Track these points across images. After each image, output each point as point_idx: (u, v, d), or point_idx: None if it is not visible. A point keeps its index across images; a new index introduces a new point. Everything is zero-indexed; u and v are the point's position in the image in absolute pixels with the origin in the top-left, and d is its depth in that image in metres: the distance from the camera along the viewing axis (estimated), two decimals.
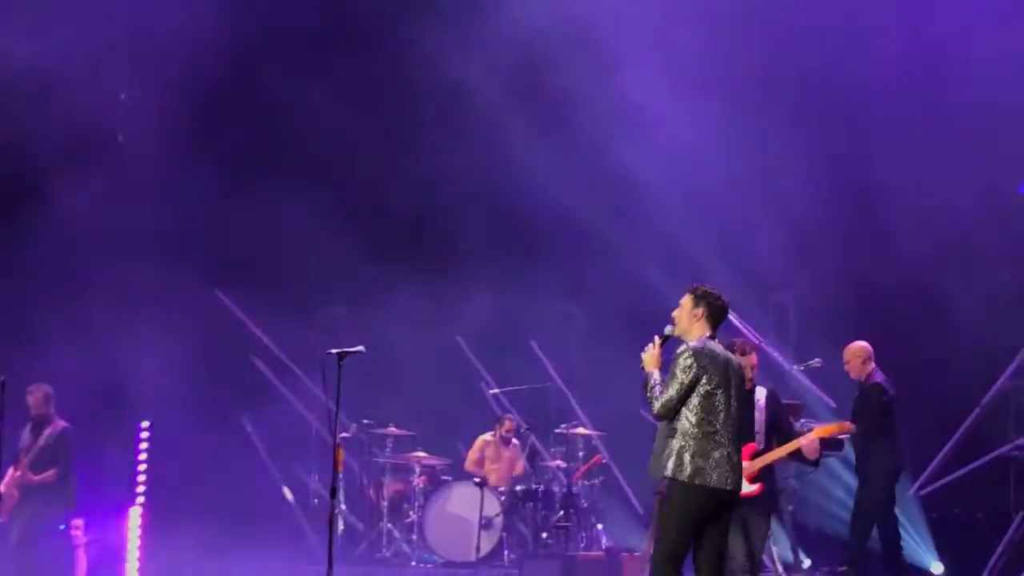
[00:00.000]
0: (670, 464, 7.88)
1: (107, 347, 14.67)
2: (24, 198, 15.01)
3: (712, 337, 8.04)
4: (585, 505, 13.90)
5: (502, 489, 14.08)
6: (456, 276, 15.44)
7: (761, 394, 9.56)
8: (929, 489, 14.72)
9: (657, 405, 7.90)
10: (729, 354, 8.13)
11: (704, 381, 7.84)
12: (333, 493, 9.12)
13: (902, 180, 13.97)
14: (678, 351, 7.92)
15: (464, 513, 13.88)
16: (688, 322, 8.05)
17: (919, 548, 14.16)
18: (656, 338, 8.09)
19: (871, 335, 12.25)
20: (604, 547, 13.29)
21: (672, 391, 7.85)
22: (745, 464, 8.90)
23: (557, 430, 14.65)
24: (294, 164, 15.92)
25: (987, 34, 13.77)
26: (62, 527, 13.91)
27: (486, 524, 13.76)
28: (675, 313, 8.13)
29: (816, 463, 10.05)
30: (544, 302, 16.15)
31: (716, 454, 7.85)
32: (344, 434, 14.23)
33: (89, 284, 15.03)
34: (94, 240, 15.01)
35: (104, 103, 15.16)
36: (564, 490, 13.90)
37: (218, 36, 14.73)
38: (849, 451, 12.10)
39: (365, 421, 14.70)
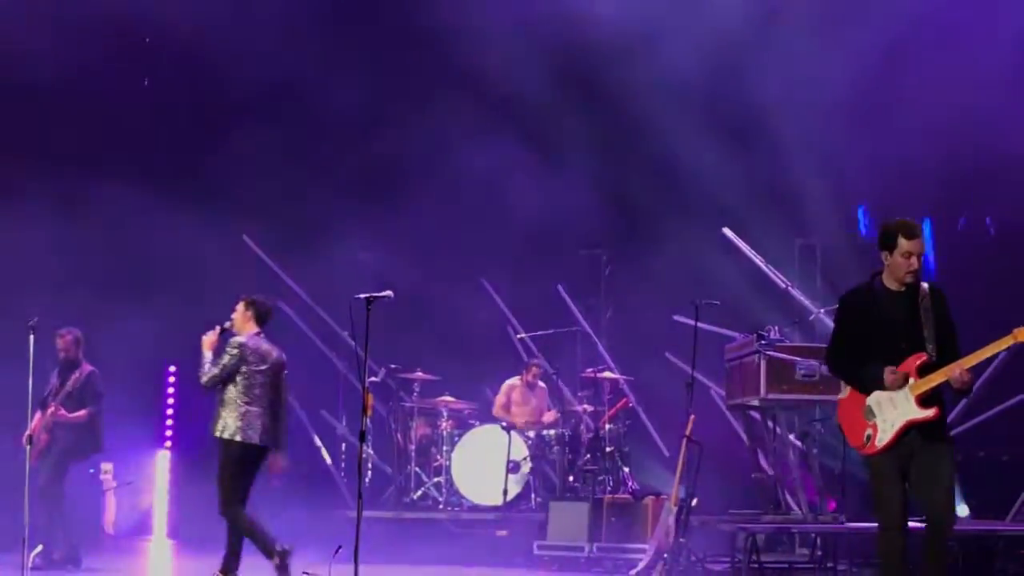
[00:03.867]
0: (218, 427, 10.08)
1: (129, 293, 14.71)
2: None
3: (259, 332, 10.30)
4: (611, 449, 13.94)
5: (529, 433, 14.12)
6: (481, 219, 15.43)
7: (925, 291, 7.73)
8: (955, 432, 14.67)
9: (204, 379, 10.11)
10: (270, 347, 10.29)
11: (243, 367, 10.07)
12: (362, 437, 9.17)
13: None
14: (229, 341, 10.17)
15: (491, 457, 13.93)
16: (242, 321, 10.33)
17: None
18: (217, 327, 10.25)
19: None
20: (630, 490, 13.31)
21: (216, 369, 10.09)
22: (913, 382, 7.56)
23: (584, 374, 14.67)
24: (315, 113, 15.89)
25: None
26: (91, 471, 14.02)
27: (513, 468, 13.83)
28: (233, 315, 10.32)
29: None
30: (569, 246, 16.13)
31: (256, 421, 10.05)
32: (372, 379, 14.28)
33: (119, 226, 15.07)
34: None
35: None
36: (591, 434, 13.93)
37: None
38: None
39: (392, 366, 14.74)
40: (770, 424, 12.30)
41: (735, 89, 14.80)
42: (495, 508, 13.80)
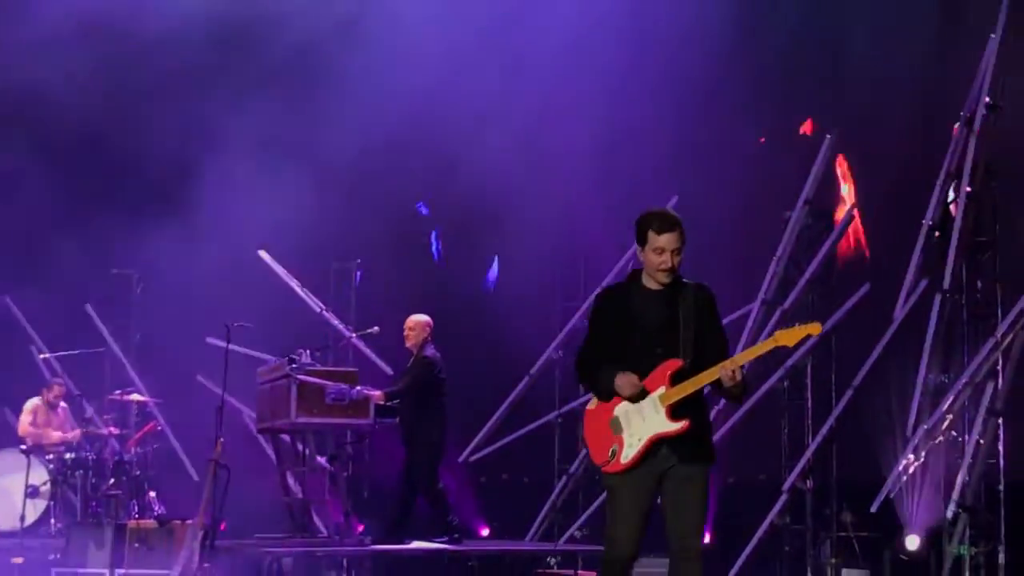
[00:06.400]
0: None
1: None
2: None
3: None
4: (138, 473, 13.62)
5: (50, 456, 13.60)
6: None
7: (689, 292, 6.86)
8: (479, 455, 15.24)
9: None
10: None
11: None
12: None
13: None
14: None
15: (8, 482, 13.36)
16: None
17: (468, 512, 14.63)
18: None
19: (428, 306, 12.49)
20: (156, 514, 13.05)
21: None
22: (663, 390, 6.66)
23: (111, 396, 14.28)
24: None
25: None
26: None
27: (32, 492, 13.29)
28: None
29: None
30: (98, 265, 15.68)
31: None
32: None
33: None
34: None
35: None
36: (116, 457, 13.58)
37: None
38: None
39: None
40: (300, 447, 12.34)
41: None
42: (12, 534, 13.19)
